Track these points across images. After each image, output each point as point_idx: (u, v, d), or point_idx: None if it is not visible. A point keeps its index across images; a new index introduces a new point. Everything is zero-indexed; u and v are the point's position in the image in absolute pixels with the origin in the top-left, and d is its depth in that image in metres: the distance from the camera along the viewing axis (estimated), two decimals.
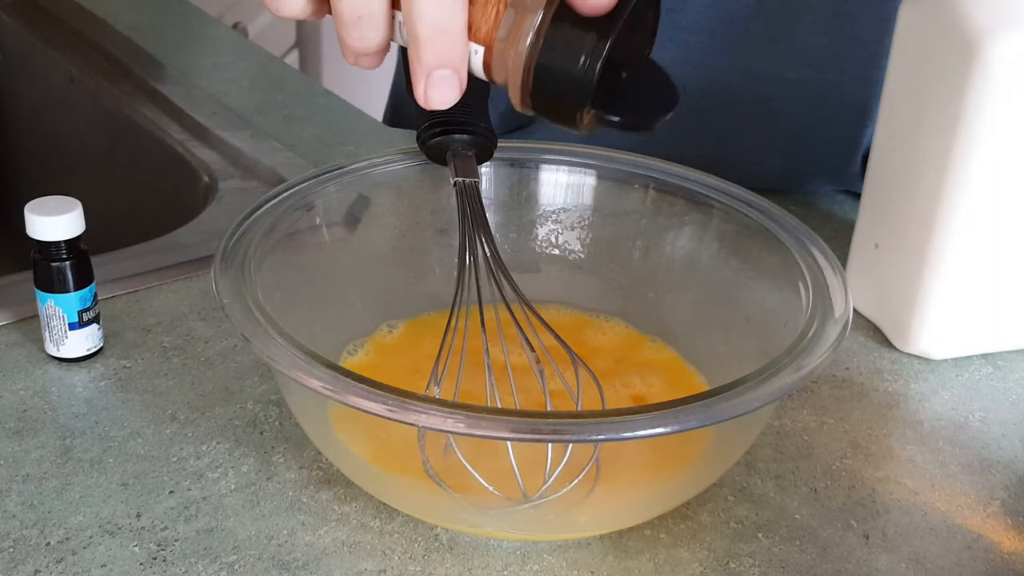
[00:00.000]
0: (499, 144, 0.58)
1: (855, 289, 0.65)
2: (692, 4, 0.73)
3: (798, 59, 0.74)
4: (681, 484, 0.52)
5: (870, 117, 0.65)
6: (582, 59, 0.45)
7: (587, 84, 0.46)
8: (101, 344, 0.62)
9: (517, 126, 0.82)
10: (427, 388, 0.49)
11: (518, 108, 0.48)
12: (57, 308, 0.60)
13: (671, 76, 0.49)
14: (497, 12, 0.46)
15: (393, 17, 0.47)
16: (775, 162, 0.78)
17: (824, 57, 0.74)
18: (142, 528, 0.52)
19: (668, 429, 0.44)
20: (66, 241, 0.59)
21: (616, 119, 0.48)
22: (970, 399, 0.63)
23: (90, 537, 0.51)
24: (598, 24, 0.45)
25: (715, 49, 0.75)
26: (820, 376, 0.63)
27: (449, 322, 0.51)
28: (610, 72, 0.46)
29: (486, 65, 0.47)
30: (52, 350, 0.61)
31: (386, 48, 0.49)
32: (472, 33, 0.46)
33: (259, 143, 0.83)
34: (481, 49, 0.47)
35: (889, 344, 0.66)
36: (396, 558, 0.51)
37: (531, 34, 0.46)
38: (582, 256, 0.64)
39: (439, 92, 0.46)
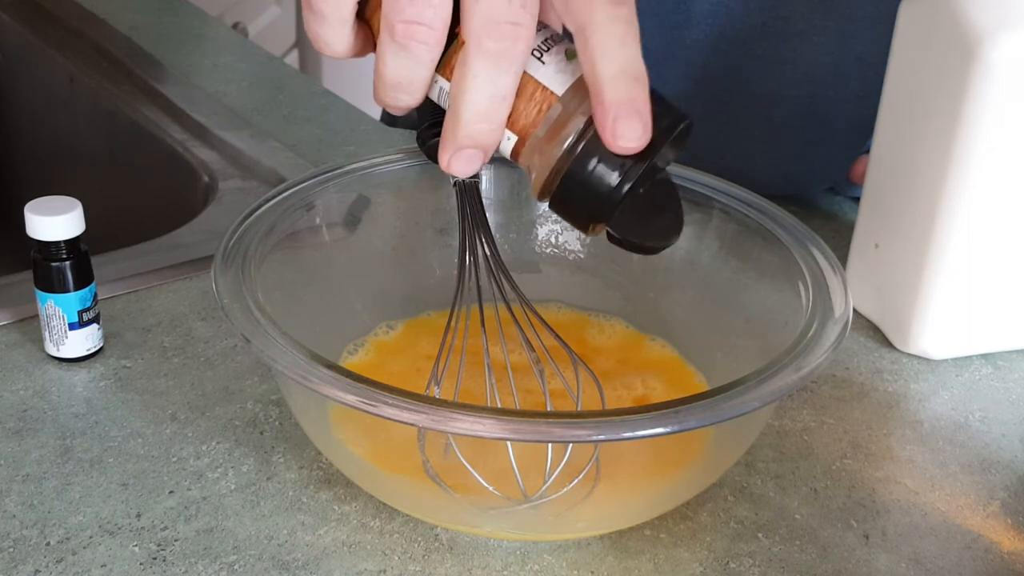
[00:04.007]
0: None
1: (855, 289, 0.65)
2: (697, 22, 0.74)
3: (801, 78, 0.74)
4: (681, 484, 0.52)
5: (870, 134, 0.65)
6: (612, 179, 0.46)
7: (611, 203, 0.46)
8: (101, 344, 0.62)
9: None
10: (427, 388, 0.49)
11: (534, 197, 0.48)
12: (57, 308, 0.60)
13: (680, 198, 0.49)
14: (539, 110, 0.46)
15: (433, 79, 0.47)
16: (775, 177, 0.78)
17: (827, 76, 0.74)
18: (142, 528, 0.52)
19: (668, 429, 0.44)
20: (66, 241, 0.59)
21: (623, 239, 0.48)
22: (970, 399, 0.63)
23: (90, 537, 0.51)
24: None
25: (719, 67, 0.75)
26: (820, 376, 0.63)
27: (449, 322, 0.51)
28: (634, 193, 0.46)
29: (515, 152, 0.47)
30: (52, 350, 0.61)
31: (417, 106, 0.49)
32: (510, 121, 0.46)
33: (259, 143, 0.83)
34: (515, 138, 0.47)
35: (889, 344, 0.66)
36: (396, 558, 0.51)
37: (570, 139, 0.46)
38: (582, 256, 0.64)
39: (462, 165, 0.47)
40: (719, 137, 0.77)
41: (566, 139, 0.46)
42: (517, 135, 0.47)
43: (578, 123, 0.46)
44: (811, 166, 0.79)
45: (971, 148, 0.59)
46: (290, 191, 0.57)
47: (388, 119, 0.97)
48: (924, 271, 0.62)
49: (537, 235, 0.64)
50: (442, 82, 0.47)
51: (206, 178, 0.81)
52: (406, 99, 0.48)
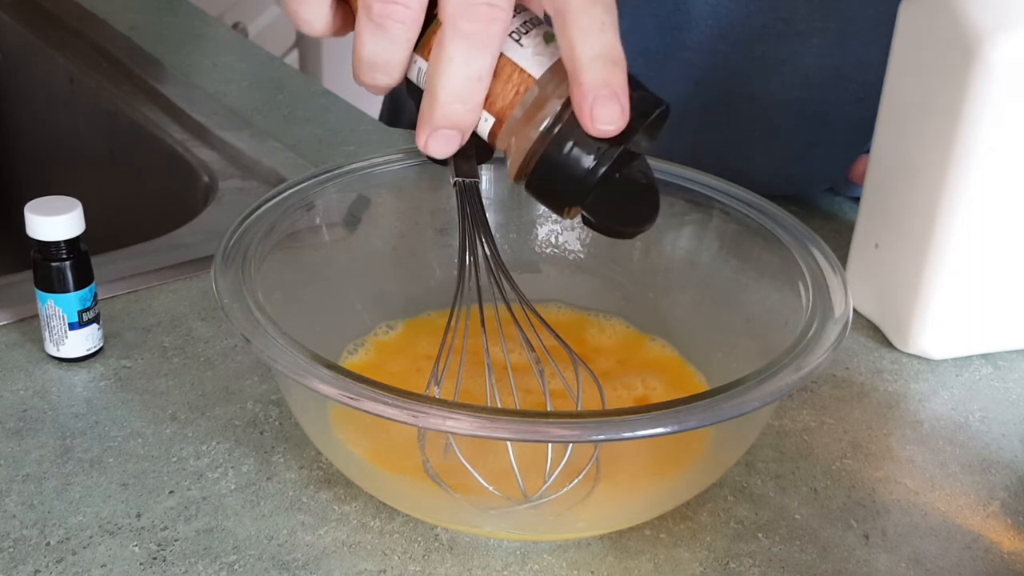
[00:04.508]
0: None
1: (855, 289, 0.65)
2: (697, 24, 0.73)
3: (802, 80, 0.74)
4: (681, 484, 0.52)
5: (870, 135, 0.65)
6: (587, 162, 0.46)
7: (585, 186, 0.46)
8: (101, 344, 0.62)
9: None
10: (427, 388, 0.49)
11: (511, 179, 0.48)
12: (57, 308, 0.60)
13: (657, 186, 0.49)
14: (517, 92, 0.46)
15: (411, 60, 0.47)
16: (775, 178, 0.78)
17: (827, 78, 0.74)
18: (142, 528, 0.52)
19: (668, 429, 0.44)
20: (66, 241, 0.59)
21: (598, 223, 0.48)
22: (970, 399, 0.63)
23: (90, 537, 0.51)
24: None
25: (719, 69, 0.75)
26: (820, 376, 0.63)
27: (449, 322, 0.51)
28: (609, 176, 0.46)
29: (492, 134, 0.47)
30: (52, 350, 0.61)
31: (395, 86, 0.49)
32: (488, 103, 0.46)
33: (259, 143, 0.83)
34: (492, 119, 0.47)
35: (889, 344, 0.66)
36: (396, 558, 0.51)
37: (547, 121, 0.46)
38: (582, 256, 0.64)
39: (438, 146, 0.47)
40: (719, 138, 0.77)
41: (542, 122, 0.46)
42: (495, 117, 0.47)
43: (554, 106, 0.46)
44: (811, 167, 0.78)
45: (971, 148, 0.59)
46: (290, 191, 0.57)
47: (388, 119, 0.97)
48: (924, 271, 0.62)
49: (537, 235, 0.64)
50: (421, 62, 0.47)
51: (206, 178, 0.81)
52: (383, 79, 0.48)
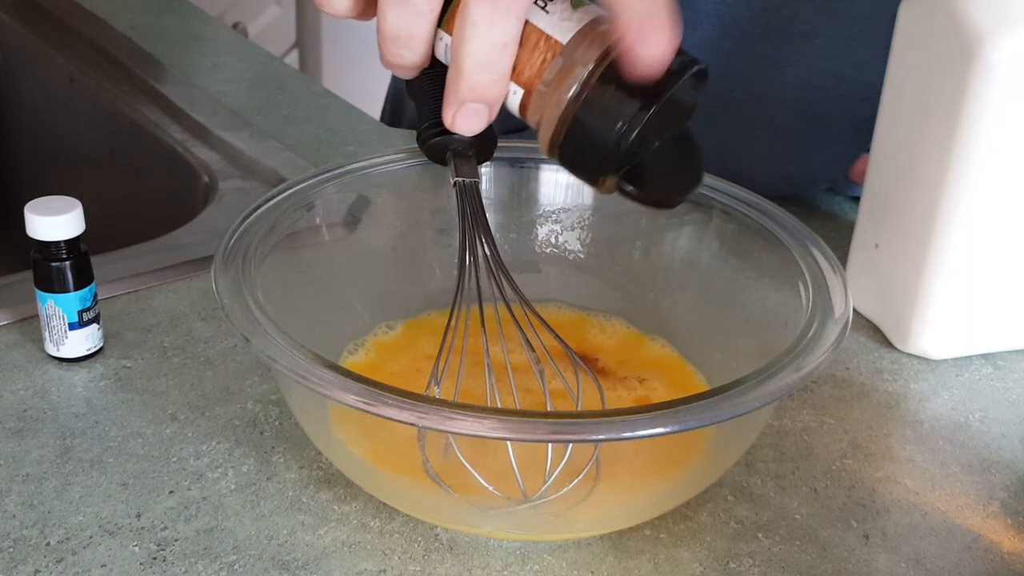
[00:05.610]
0: (499, 144, 0.58)
1: (855, 289, 0.65)
2: (700, 22, 0.73)
3: (803, 80, 0.74)
4: (681, 484, 0.52)
5: (870, 135, 0.65)
6: (618, 125, 0.45)
7: (617, 151, 0.45)
8: (101, 344, 0.62)
9: (518, 127, 0.82)
10: (427, 388, 0.49)
11: (543, 152, 0.47)
12: (57, 308, 0.60)
13: (702, 154, 0.48)
14: (544, 60, 0.45)
15: (437, 36, 0.47)
16: (776, 178, 0.78)
17: (828, 78, 0.74)
18: (142, 528, 0.52)
19: (668, 429, 0.44)
20: (66, 241, 0.59)
21: (636, 192, 0.47)
22: (970, 399, 0.63)
23: (90, 537, 0.51)
24: (642, 93, 0.45)
25: (721, 68, 0.75)
26: (820, 376, 0.63)
27: (449, 322, 0.51)
28: (642, 142, 0.45)
29: (522, 106, 0.47)
30: (52, 350, 0.61)
31: (422, 65, 0.48)
32: (515, 74, 0.46)
33: (259, 143, 0.83)
34: (521, 91, 0.46)
35: (889, 344, 0.66)
36: (396, 558, 0.51)
37: (575, 87, 0.45)
38: (582, 256, 0.64)
39: (467, 121, 0.46)
40: (719, 138, 0.77)
41: (570, 87, 0.45)
42: (523, 88, 0.46)
43: (582, 72, 0.45)
44: (811, 167, 0.78)
45: (971, 148, 0.59)
46: (290, 191, 0.57)
47: (389, 119, 0.97)
48: (924, 271, 0.62)
49: (537, 235, 0.64)
50: (446, 38, 0.46)
51: (206, 178, 0.81)
52: (408, 56, 0.47)
